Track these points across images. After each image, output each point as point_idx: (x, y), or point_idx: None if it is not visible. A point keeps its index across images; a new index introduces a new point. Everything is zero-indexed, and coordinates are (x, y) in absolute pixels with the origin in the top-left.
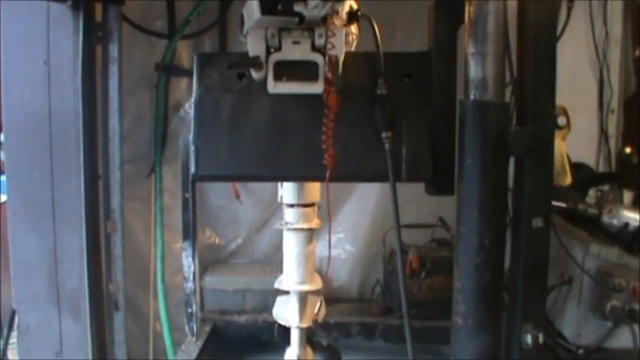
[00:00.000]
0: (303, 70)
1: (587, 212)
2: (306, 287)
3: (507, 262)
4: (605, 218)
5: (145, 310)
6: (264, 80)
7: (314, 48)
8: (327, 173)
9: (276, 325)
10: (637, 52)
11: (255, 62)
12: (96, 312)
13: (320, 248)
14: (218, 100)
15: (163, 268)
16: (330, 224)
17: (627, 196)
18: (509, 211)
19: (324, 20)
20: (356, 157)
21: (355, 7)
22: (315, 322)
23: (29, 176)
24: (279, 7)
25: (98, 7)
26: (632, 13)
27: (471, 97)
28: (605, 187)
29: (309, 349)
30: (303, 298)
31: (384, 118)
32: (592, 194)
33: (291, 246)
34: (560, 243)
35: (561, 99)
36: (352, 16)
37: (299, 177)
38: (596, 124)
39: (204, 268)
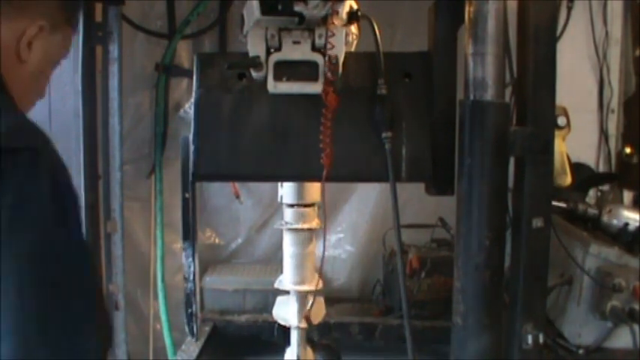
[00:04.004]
0: (303, 70)
1: (587, 212)
2: (306, 287)
3: (507, 262)
4: (605, 218)
5: (145, 310)
6: (264, 80)
7: (314, 48)
8: (324, 173)
9: (276, 325)
10: (637, 52)
11: (255, 62)
12: None
13: (320, 248)
14: (218, 100)
15: (163, 268)
16: (325, 223)
17: (627, 196)
18: (509, 211)
19: (324, 20)
20: (356, 157)
21: (355, 7)
22: (307, 318)
23: None
24: (279, 7)
25: (98, 7)
26: (632, 13)
27: (471, 97)
28: (605, 187)
29: (309, 349)
30: (303, 298)
31: (384, 118)
32: (592, 194)
33: (291, 246)
34: (560, 243)
35: (561, 99)
36: (352, 16)
37: (299, 177)
38: (596, 124)
39: (204, 268)
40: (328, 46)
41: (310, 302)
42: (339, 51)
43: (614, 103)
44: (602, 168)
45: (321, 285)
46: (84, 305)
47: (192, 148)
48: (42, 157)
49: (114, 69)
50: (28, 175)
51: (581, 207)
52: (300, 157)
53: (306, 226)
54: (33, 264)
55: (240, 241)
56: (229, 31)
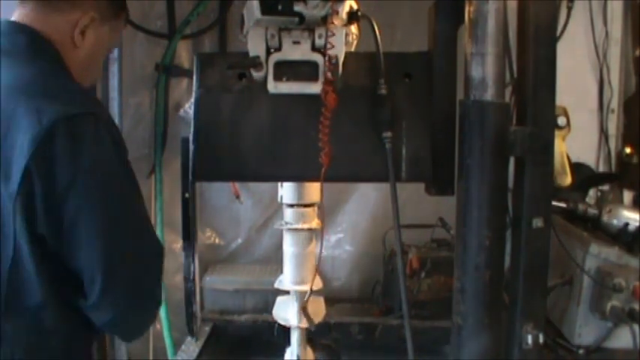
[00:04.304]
0: (303, 70)
1: (587, 212)
2: (306, 287)
3: (507, 262)
4: (605, 218)
5: None
6: (265, 80)
7: (314, 48)
8: (322, 171)
9: (276, 325)
10: (637, 52)
11: (256, 62)
12: None
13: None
14: (218, 100)
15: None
16: (324, 223)
17: (627, 196)
18: (510, 211)
19: (324, 20)
20: (356, 157)
21: (355, 7)
22: (304, 309)
23: None
24: (279, 7)
25: None
26: (632, 13)
27: (471, 97)
28: (605, 187)
29: (309, 349)
30: (303, 298)
31: (384, 118)
32: (592, 194)
33: (291, 246)
34: (560, 243)
35: (561, 99)
36: (352, 16)
37: (299, 177)
38: (596, 124)
39: (204, 268)
40: (328, 46)
41: (307, 295)
42: (339, 51)
43: (614, 103)
44: (602, 168)
45: (321, 284)
46: (145, 217)
47: (192, 148)
48: (100, 118)
49: (114, 69)
50: (94, 133)
51: (581, 207)
52: (300, 157)
53: (306, 226)
54: (110, 191)
55: (240, 241)
56: (229, 31)
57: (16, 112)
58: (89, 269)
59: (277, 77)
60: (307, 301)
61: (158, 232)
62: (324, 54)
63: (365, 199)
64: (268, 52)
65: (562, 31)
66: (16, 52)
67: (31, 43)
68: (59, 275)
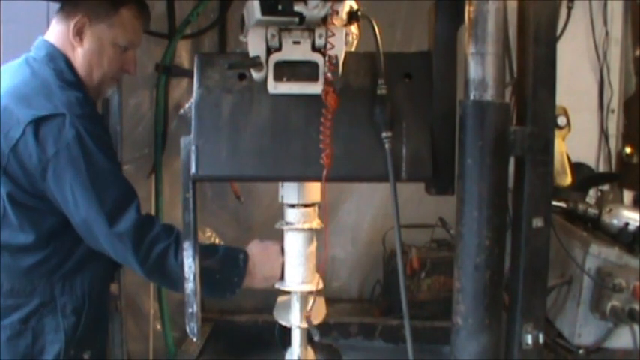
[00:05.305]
0: (303, 71)
1: (587, 212)
2: (307, 287)
3: (507, 262)
4: (605, 218)
5: (145, 310)
6: (265, 80)
7: (314, 48)
8: (324, 173)
9: (277, 325)
10: (637, 52)
11: (256, 62)
12: None
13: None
14: (218, 100)
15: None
16: (326, 225)
17: (627, 196)
18: (510, 211)
19: (325, 20)
20: (356, 157)
21: (355, 7)
22: (307, 318)
23: None
24: (279, 7)
25: None
26: (632, 13)
27: (471, 97)
28: (605, 187)
29: (309, 349)
30: (304, 298)
31: (384, 118)
32: (592, 194)
33: (292, 246)
34: (560, 243)
35: (561, 99)
36: (352, 16)
37: (299, 177)
38: (596, 124)
39: None
40: (328, 46)
41: (311, 302)
42: (339, 51)
43: (614, 103)
44: (602, 168)
45: (321, 284)
46: (116, 189)
47: (192, 148)
48: (68, 119)
49: None
50: (58, 130)
51: (581, 207)
52: (301, 158)
53: (306, 226)
54: (75, 172)
55: (240, 241)
56: (229, 31)
57: (7, 112)
58: (75, 227)
59: (277, 77)
60: (311, 309)
61: None
62: (324, 54)
63: (365, 199)
64: (268, 53)
65: (562, 31)
66: (38, 60)
67: (47, 54)
68: (38, 223)
